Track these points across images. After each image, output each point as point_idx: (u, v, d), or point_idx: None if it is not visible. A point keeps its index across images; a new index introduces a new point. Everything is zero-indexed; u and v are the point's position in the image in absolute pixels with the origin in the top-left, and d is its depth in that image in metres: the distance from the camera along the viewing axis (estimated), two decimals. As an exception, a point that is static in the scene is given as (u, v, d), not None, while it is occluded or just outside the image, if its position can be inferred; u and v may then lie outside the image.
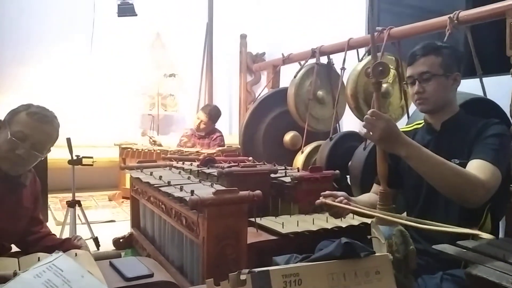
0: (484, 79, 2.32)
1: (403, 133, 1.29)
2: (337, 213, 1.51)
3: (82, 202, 2.87)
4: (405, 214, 1.63)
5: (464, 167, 1.33)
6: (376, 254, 0.99)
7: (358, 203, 1.61)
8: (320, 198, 1.50)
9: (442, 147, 1.46)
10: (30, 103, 1.59)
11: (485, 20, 2.29)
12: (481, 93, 2.29)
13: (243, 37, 5.56)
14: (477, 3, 2.53)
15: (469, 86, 2.31)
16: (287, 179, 2.22)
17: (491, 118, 1.50)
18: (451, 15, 2.37)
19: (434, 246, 1.22)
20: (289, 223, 1.88)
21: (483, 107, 2.08)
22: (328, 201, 1.46)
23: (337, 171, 2.32)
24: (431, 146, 1.32)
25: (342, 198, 1.46)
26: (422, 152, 1.29)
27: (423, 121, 1.66)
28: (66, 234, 2.64)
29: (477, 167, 1.32)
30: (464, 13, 2.35)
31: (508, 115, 2.02)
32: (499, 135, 1.41)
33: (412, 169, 1.35)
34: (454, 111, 1.55)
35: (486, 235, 1.00)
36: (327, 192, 1.51)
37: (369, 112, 1.27)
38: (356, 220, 1.86)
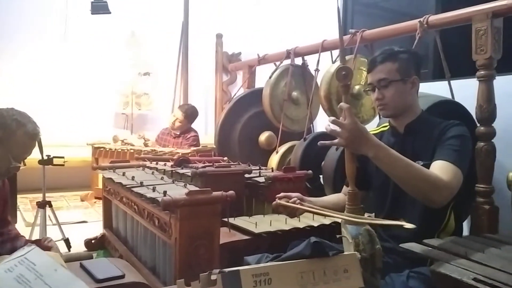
0: (452, 82, 2.39)
1: (371, 134, 1.32)
2: (292, 213, 1.58)
3: (53, 203, 2.82)
4: (373, 214, 1.66)
5: (428, 168, 1.37)
6: (345, 253, 1.02)
7: (326, 202, 1.65)
8: (276, 200, 1.57)
9: (407, 149, 1.50)
10: (22, 116, 1.56)
11: (452, 25, 2.35)
12: (449, 95, 2.36)
13: (219, 36, 5.55)
14: (446, 8, 2.61)
15: (438, 89, 2.39)
16: (261, 179, 2.24)
17: (453, 120, 1.54)
18: (421, 19, 2.43)
19: (401, 245, 1.26)
20: (262, 223, 1.89)
21: (451, 108, 2.16)
22: (282, 202, 1.54)
23: (310, 171, 2.35)
24: (396, 149, 1.36)
25: (295, 198, 1.53)
26: (389, 153, 1.32)
27: (388, 124, 1.70)
28: (36, 236, 2.58)
29: (439, 168, 1.37)
30: (434, 18, 2.40)
31: (474, 116, 2.09)
32: (459, 136, 1.46)
33: (379, 169, 1.38)
34: (416, 113, 1.59)
35: (409, 225, 1.05)
36: (282, 194, 1.59)
37: (330, 119, 1.26)
38: (328, 220, 1.89)
